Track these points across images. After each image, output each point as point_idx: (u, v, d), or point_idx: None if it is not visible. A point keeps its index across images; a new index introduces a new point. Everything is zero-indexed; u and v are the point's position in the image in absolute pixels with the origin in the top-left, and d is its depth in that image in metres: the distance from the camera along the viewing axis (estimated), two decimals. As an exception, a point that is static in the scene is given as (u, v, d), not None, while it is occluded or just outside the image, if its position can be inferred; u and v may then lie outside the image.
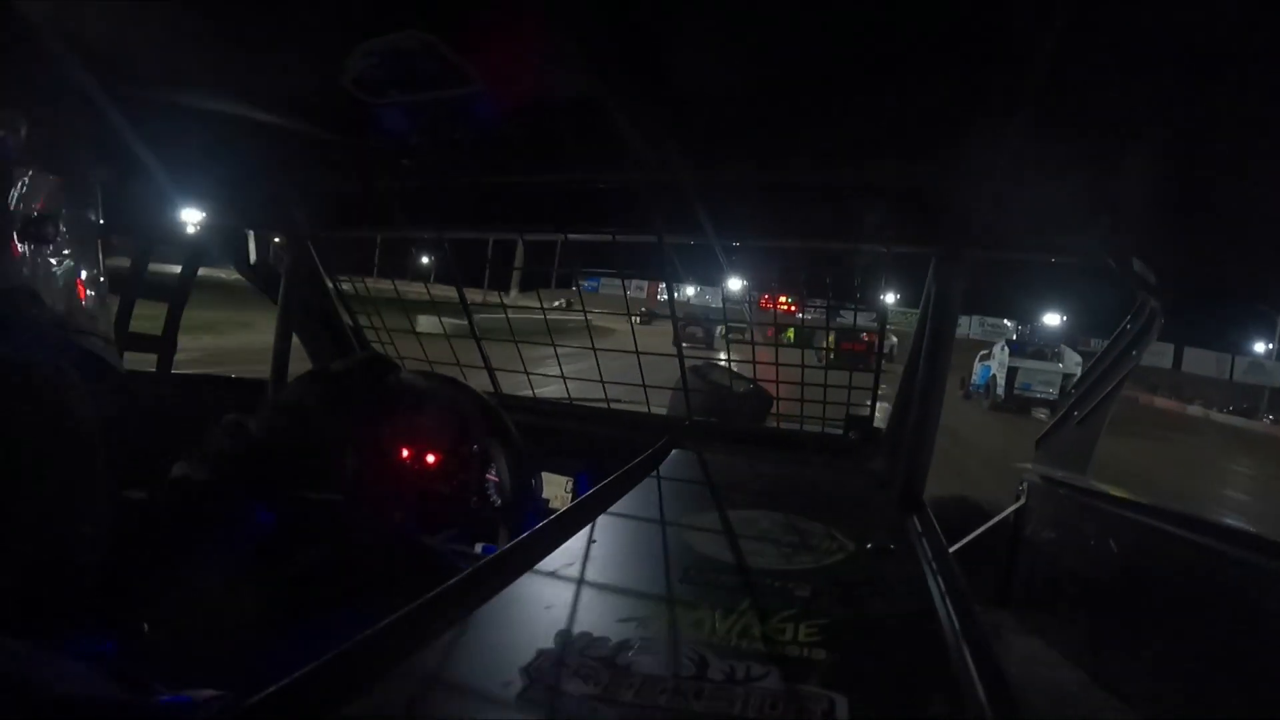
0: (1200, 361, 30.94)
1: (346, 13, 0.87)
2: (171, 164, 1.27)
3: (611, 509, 0.95)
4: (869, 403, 1.46)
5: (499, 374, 1.79)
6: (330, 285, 1.84)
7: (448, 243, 1.62)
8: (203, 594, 0.97)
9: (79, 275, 0.79)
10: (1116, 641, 1.51)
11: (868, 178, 1.18)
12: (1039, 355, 14.31)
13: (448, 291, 1.89)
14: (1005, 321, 34.14)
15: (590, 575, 0.74)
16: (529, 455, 1.29)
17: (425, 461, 1.41)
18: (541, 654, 0.55)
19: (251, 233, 1.76)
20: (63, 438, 0.68)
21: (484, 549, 1.26)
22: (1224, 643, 1.21)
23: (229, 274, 1.67)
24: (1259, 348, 30.62)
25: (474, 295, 1.86)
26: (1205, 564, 1.27)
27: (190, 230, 1.51)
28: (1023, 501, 1.99)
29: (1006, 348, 14.19)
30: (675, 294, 1.62)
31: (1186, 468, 10.21)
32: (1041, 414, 11.98)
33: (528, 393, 1.75)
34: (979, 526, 2.09)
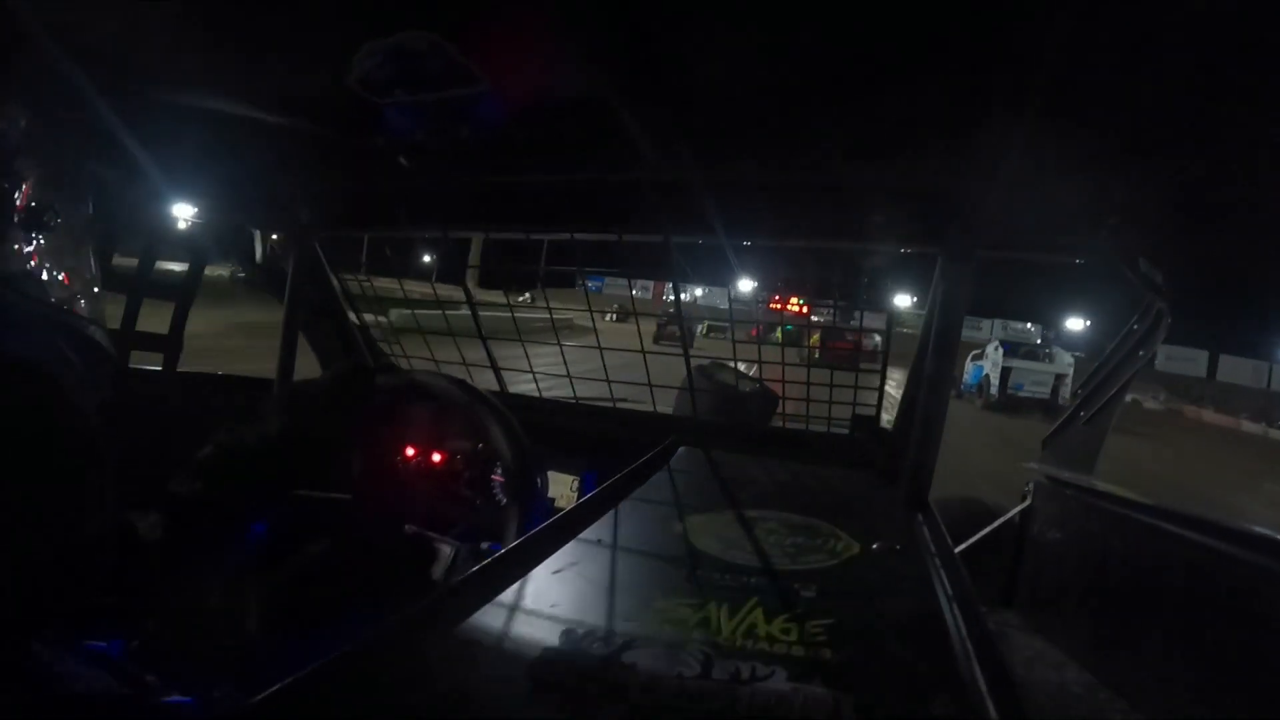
0: (1234, 369, 27.84)
1: (352, 12, 0.87)
2: (178, 163, 1.27)
3: (617, 508, 0.95)
4: (874, 402, 1.45)
5: (500, 373, 1.79)
6: (336, 284, 1.84)
7: (453, 242, 1.63)
8: (202, 599, 0.98)
9: (75, 263, 0.80)
10: (1121, 642, 1.50)
11: (873, 178, 1.18)
12: (1032, 355, 14.39)
13: (452, 291, 1.90)
14: (1028, 325, 33.09)
15: (596, 574, 0.75)
16: (535, 453, 1.29)
17: (424, 462, 1.41)
18: (547, 652, 0.55)
19: (258, 232, 1.77)
20: (67, 433, 0.69)
21: (490, 547, 1.26)
22: (1229, 643, 1.20)
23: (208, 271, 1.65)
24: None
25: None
26: (1210, 564, 1.26)
27: (196, 229, 1.51)
28: (1028, 502, 1.99)
29: (1000, 348, 14.22)
30: (684, 295, 1.62)
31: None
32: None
33: (533, 391, 1.75)
34: (977, 525, 2.09)
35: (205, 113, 1.12)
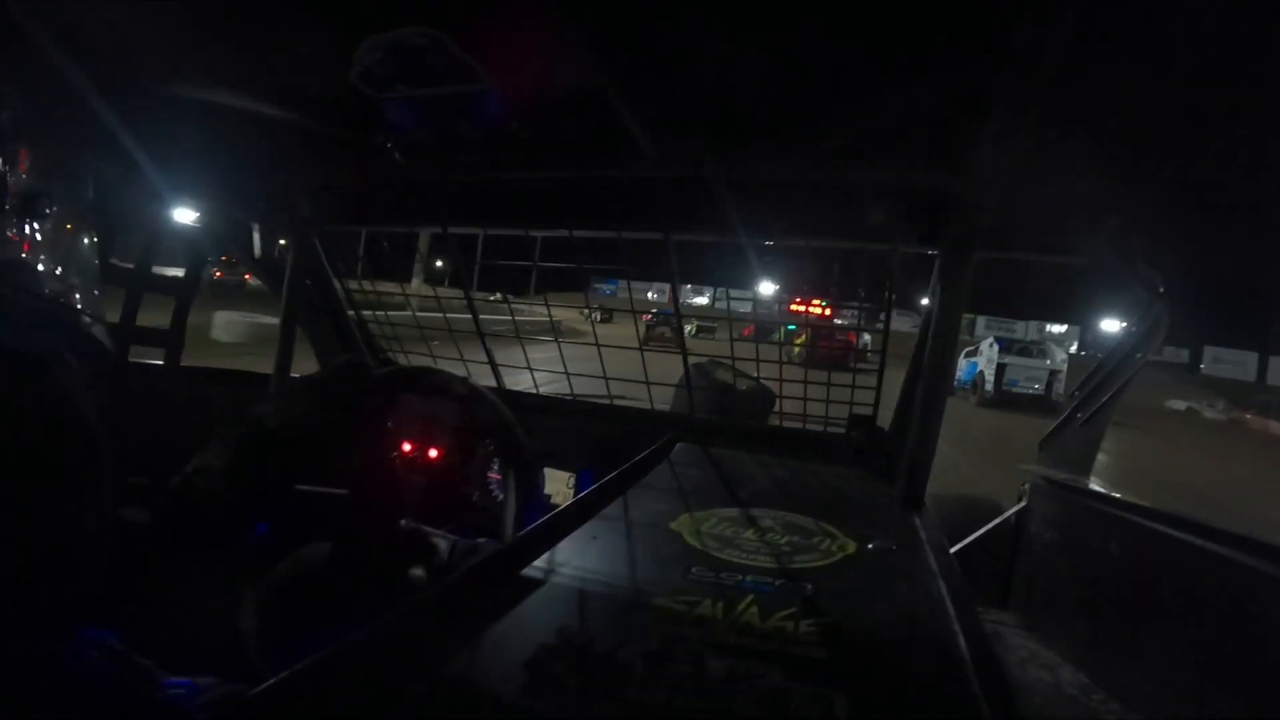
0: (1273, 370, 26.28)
1: (354, 8, 0.87)
2: (177, 158, 1.27)
3: (613, 506, 0.95)
4: (872, 402, 1.45)
5: (497, 371, 1.79)
6: (335, 280, 1.84)
7: (453, 240, 1.62)
8: (199, 595, 0.98)
9: (72, 255, 0.79)
10: (1116, 643, 1.51)
11: (874, 177, 1.18)
12: (1026, 352, 14.52)
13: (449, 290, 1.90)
14: (1058, 328, 32.78)
15: (592, 572, 0.75)
16: (531, 451, 1.30)
17: (421, 458, 1.41)
18: (543, 649, 0.55)
19: (257, 227, 1.77)
20: (65, 426, 0.68)
21: (487, 543, 1.26)
22: (1223, 645, 1.21)
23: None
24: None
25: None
26: (1205, 567, 1.27)
27: (196, 224, 1.51)
28: (1024, 503, 1.99)
29: (995, 344, 14.32)
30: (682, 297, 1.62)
31: None
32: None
33: (531, 388, 1.75)
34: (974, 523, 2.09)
35: (205, 107, 1.12)
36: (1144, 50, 0.71)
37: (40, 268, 0.76)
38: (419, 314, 1.82)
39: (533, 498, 1.19)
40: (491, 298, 1.86)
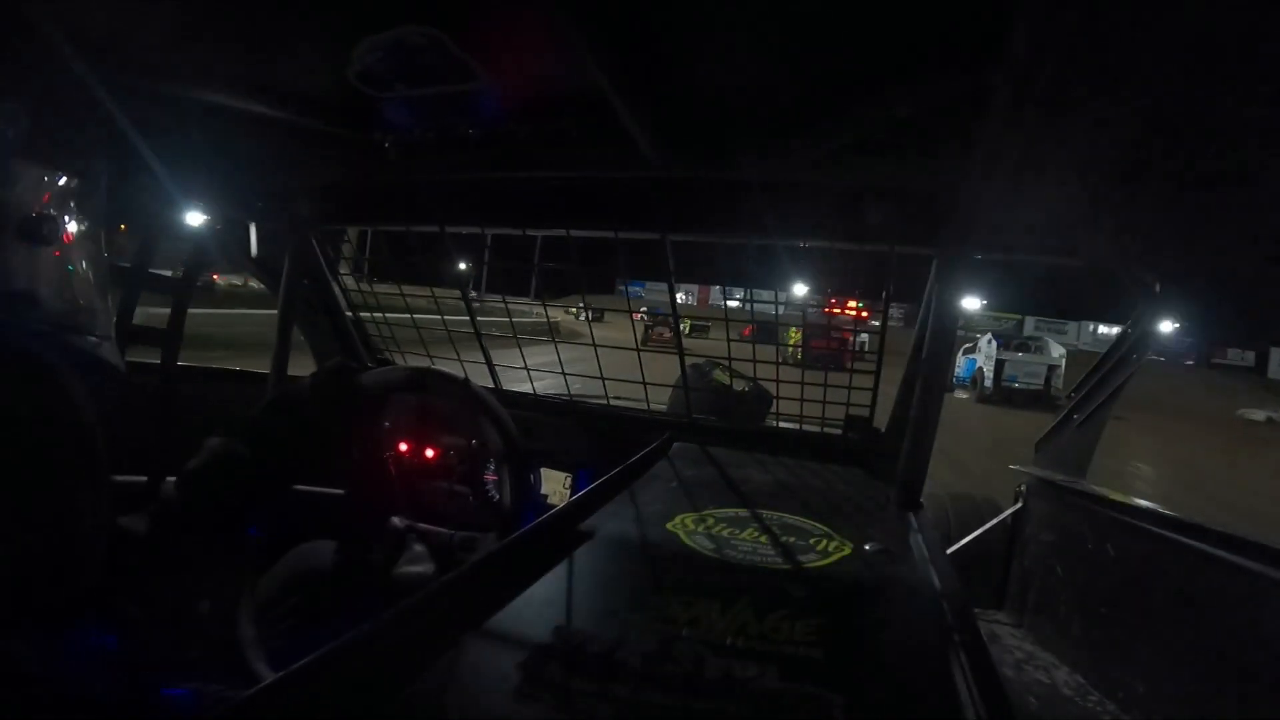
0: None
1: (352, 7, 0.87)
2: (173, 157, 1.27)
3: (610, 506, 0.95)
4: (869, 403, 1.46)
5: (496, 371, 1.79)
6: (332, 279, 1.84)
7: (449, 239, 1.62)
8: (195, 596, 0.98)
9: (81, 273, 0.78)
10: (1112, 644, 1.51)
11: (871, 177, 1.18)
12: (1024, 348, 14.60)
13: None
14: (1108, 329, 31.51)
15: (588, 572, 0.75)
16: (528, 451, 1.29)
17: (418, 458, 1.41)
18: (538, 650, 0.55)
19: (253, 226, 1.76)
20: (63, 432, 0.68)
21: (483, 543, 1.26)
22: (1219, 645, 1.21)
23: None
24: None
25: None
26: (1201, 568, 1.27)
27: (193, 224, 1.50)
28: (1020, 504, 2.00)
29: (993, 341, 14.41)
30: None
31: None
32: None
33: (526, 388, 1.75)
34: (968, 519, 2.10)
35: (201, 107, 1.12)
36: (1143, 50, 0.71)
37: (47, 292, 0.74)
38: (415, 315, 1.81)
39: (529, 497, 1.19)
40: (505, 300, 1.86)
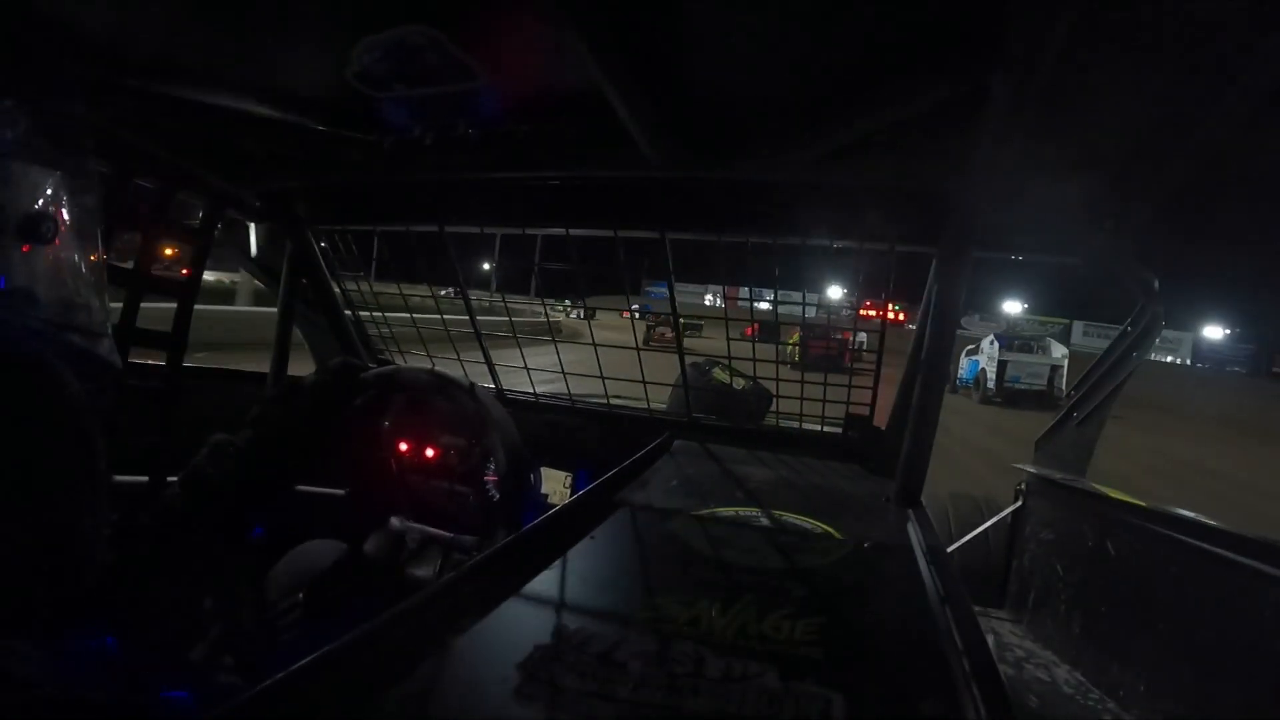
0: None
1: (352, 7, 0.86)
2: (174, 157, 1.27)
3: (610, 505, 0.95)
4: (869, 402, 1.46)
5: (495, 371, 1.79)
6: (331, 279, 1.84)
7: (449, 239, 1.62)
8: (195, 597, 0.98)
9: (79, 272, 0.77)
10: (1112, 642, 1.51)
11: (870, 177, 1.18)
12: (1026, 349, 14.64)
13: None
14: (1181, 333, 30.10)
15: (588, 571, 0.75)
16: (528, 450, 1.29)
17: (418, 458, 1.41)
18: (538, 649, 0.55)
19: (253, 226, 1.76)
20: (60, 430, 0.68)
21: (483, 543, 1.26)
22: (1220, 643, 1.21)
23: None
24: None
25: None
26: (1201, 565, 1.27)
27: (194, 225, 1.50)
28: (1020, 503, 2.00)
29: (996, 342, 14.46)
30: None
31: None
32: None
33: (528, 389, 1.75)
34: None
35: (201, 107, 1.12)
36: (1141, 50, 0.71)
37: (46, 291, 0.73)
38: (415, 315, 1.81)
39: (529, 497, 1.19)
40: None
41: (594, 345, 1.60)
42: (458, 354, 1.76)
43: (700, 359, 1.74)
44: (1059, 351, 14.59)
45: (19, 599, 0.61)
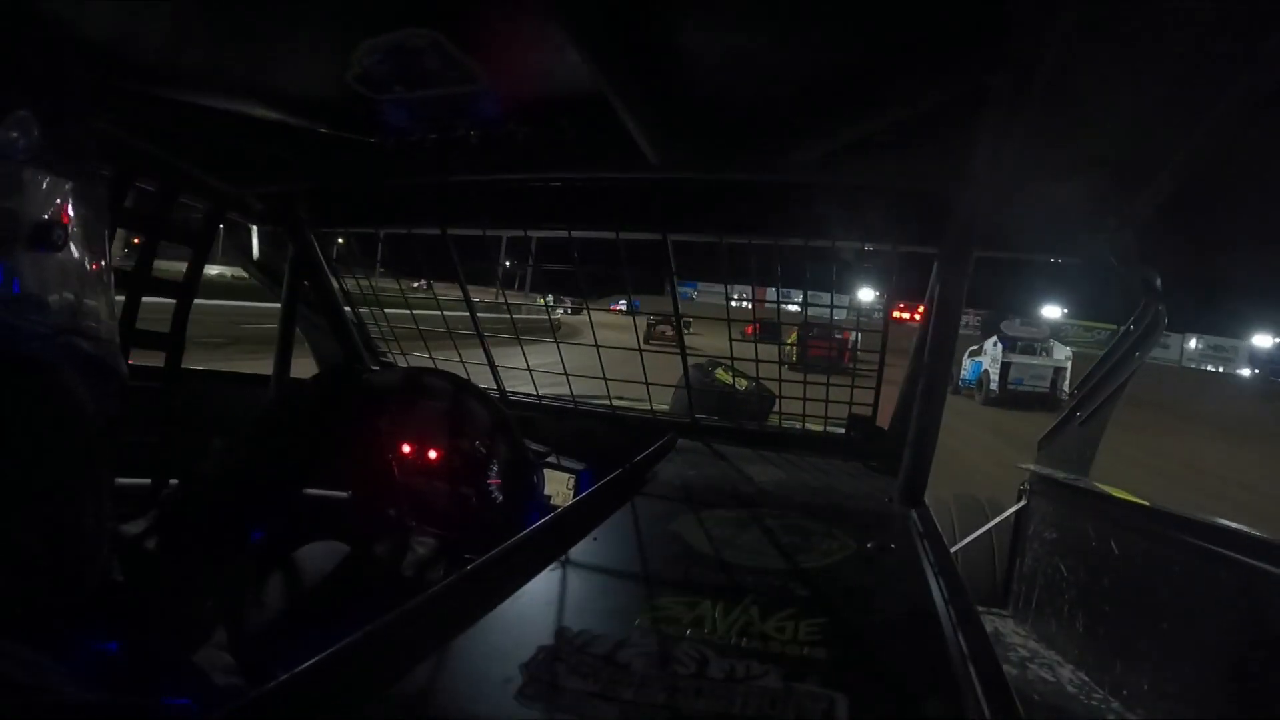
0: None
1: (353, 10, 0.87)
2: (176, 161, 1.27)
3: (613, 507, 0.95)
4: (871, 402, 1.45)
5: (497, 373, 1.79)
6: (334, 281, 1.84)
7: (451, 240, 1.62)
8: (198, 600, 0.98)
9: (86, 278, 0.78)
10: (1115, 641, 1.51)
11: (872, 177, 1.18)
12: (1029, 350, 14.61)
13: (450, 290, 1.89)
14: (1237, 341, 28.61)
15: (591, 572, 0.75)
16: (531, 452, 1.30)
17: (421, 460, 1.41)
18: (541, 650, 0.55)
19: (255, 228, 1.76)
20: (64, 434, 0.68)
21: (486, 545, 1.26)
22: (1223, 643, 1.21)
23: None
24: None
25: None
26: (1204, 565, 1.27)
27: (195, 225, 1.51)
28: (1024, 502, 1.99)
29: (999, 344, 14.42)
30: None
31: None
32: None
33: (531, 390, 1.75)
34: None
35: (205, 110, 1.12)
36: (1142, 51, 0.71)
37: (53, 297, 0.73)
38: (415, 315, 1.81)
39: (532, 498, 1.19)
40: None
41: (596, 346, 1.60)
42: (459, 355, 1.76)
43: (703, 360, 1.74)
44: (1062, 353, 14.55)
45: (22, 601, 0.61)
